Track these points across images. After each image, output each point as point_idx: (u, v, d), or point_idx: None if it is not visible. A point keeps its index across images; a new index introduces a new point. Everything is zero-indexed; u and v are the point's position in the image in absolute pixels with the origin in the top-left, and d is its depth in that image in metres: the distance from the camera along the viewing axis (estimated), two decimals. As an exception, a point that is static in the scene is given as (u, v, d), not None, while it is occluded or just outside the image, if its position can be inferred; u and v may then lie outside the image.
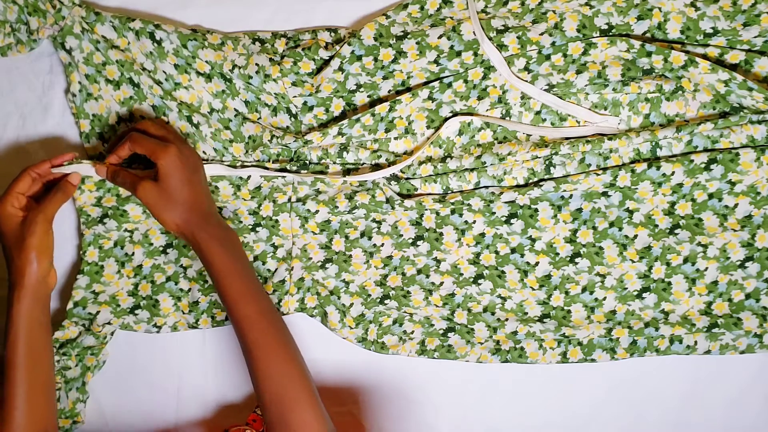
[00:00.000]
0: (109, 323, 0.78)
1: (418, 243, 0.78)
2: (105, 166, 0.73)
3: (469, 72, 0.76)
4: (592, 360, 0.77)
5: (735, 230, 0.75)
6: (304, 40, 0.79)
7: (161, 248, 0.79)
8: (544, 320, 0.77)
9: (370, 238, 0.79)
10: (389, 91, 0.78)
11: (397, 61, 0.77)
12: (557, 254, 0.77)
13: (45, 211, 0.71)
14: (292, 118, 0.79)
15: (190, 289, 0.79)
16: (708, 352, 0.76)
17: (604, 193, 0.76)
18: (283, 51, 0.78)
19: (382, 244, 0.79)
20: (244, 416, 0.79)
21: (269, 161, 0.78)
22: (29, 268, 0.69)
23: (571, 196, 0.77)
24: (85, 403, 0.80)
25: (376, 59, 0.77)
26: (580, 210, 0.77)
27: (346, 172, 0.78)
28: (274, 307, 0.71)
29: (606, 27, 0.75)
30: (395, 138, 0.78)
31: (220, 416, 0.81)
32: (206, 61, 0.76)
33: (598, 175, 0.74)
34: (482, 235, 0.78)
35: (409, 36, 0.76)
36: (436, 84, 0.76)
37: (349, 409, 0.80)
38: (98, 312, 0.78)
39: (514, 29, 0.75)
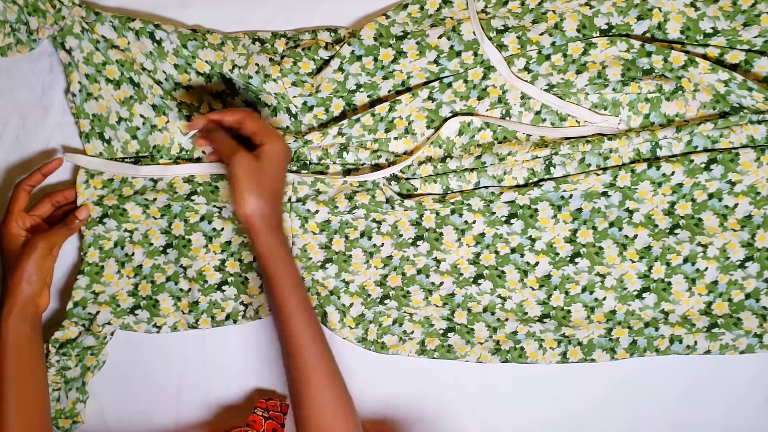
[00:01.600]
0: (109, 323, 0.78)
1: (418, 243, 0.78)
2: (204, 118, 0.70)
3: (469, 72, 0.76)
4: (592, 360, 0.77)
5: (735, 230, 0.75)
6: (304, 40, 0.79)
7: (161, 248, 0.79)
8: (544, 320, 0.77)
9: (370, 238, 0.79)
10: (389, 91, 0.78)
11: (397, 61, 0.77)
12: (557, 254, 0.77)
13: (47, 240, 0.72)
14: (292, 118, 0.79)
15: (190, 289, 0.79)
16: (708, 352, 0.76)
17: (604, 193, 0.76)
18: (283, 51, 0.78)
19: (382, 244, 0.79)
20: (244, 416, 0.79)
21: (269, 161, 0.78)
22: (19, 288, 0.70)
23: (571, 196, 0.77)
24: (85, 403, 0.80)
25: (376, 59, 0.77)
26: (580, 210, 0.77)
27: (346, 172, 0.78)
28: (323, 331, 0.69)
29: (606, 27, 0.75)
30: (395, 138, 0.78)
31: (220, 416, 0.81)
32: (206, 61, 0.76)
33: (598, 175, 0.74)
34: (482, 235, 0.78)
35: (409, 36, 0.76)
36: (436, 84, 0.76)
37: (349, 409, 0.80)
38: (98, 312, 0.78)
39: (514, 29, 0.75)
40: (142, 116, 0.78)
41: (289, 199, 0.78)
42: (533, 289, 0.77)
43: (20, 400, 0.69)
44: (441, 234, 0.78)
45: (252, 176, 0.66)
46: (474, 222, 0.78)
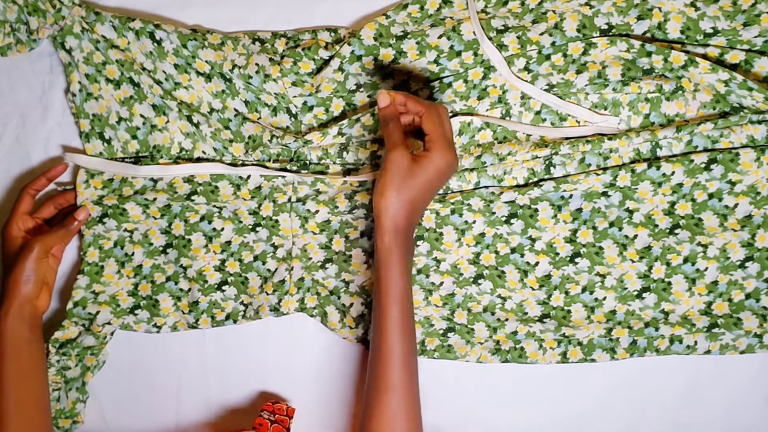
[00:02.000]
0: (109, 323, 0.78)
1: (418, 243, 0.78)
2: (392, 97, 0.67)
3: (469, 72, 0.76)
4: (592, 360, 0.77)
5: (735, 230, 0.75)
6: (304, 40, 0.79)
7: (161, 248, 0.79)
8: (544, 320, 0.77)
9: (370, 238, 0.79)
10: (389, 91, 0.78)
11: (397, 61, 0.77)
12: (557, 254, 0.77)
13: (44, 242, 0.73)
14: (292, 118, 0.79)
15: (190, 289, 0.79)
16: (708, 352, 0.76)
17: (604, 193, 0.76)
18: (283, 51, 0.78)
19: (382, 244, 0.79)
20: (244, 417, 0.79)
21: (269, 161, 0.78)
22: (16, 289, 0.71)
23: (571, 196, 0.77)
24: (85, 403, 0.80)
25: (376, 59, 0.77)
26: (580, 210, 0.77)
27: (346, 172, 0.78)
28: (416, 350, 0.68)
29: (606, 27, 0.75)
30: (395, 138, 0.78)
31: (220, 417, 0.81)
32: (206, 61, 0.76)
33: (598, 175, 0.74)
34: (482, 235, 0.78)
35: (409, 36, 0.76)
36: (436, 84, 0.76)
37: (351, 410, 0.80)
38: (98, 312, 0.78)
39: (514, 29, 0.75)
40: (142, 116, 0.78)
41: (289, 199, 0.78)
42: (533, 289, 0.77)
43: (19, 399, 0.69)
44: (441, 234, 0.78)
45: (402, 177, 0.64)
46: (474, 222, 0.78)
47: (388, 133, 0.66)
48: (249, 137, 0.78)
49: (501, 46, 0.75)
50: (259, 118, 0.79)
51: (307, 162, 0.78)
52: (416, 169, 0.64)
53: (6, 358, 0.70)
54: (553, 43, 0.75)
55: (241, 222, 0.79)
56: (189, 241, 0.79)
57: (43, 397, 0.72)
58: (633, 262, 0.76)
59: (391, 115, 0.66)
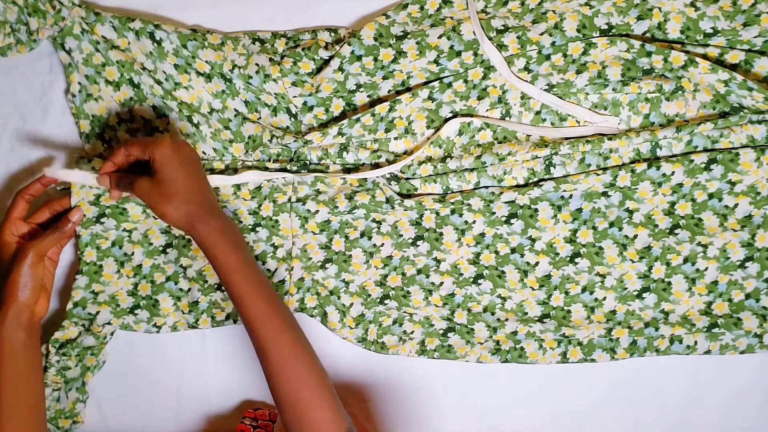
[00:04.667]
0: (109, 323, 0.78)
1: (418, 243, 0.78)
2: (105, 176, 0.72)
3: (469, 72, 0.76)
4: (592, 360, 0.77)
5: (735, 230, 0.75)
6: (304, 40, 0.79)
7: (161, 248, 0.79)
8: (544, 320, 0.77)
9: (370, 238, 0.79)
10: (389, 91, 0.78)
11: (397, 61, 0.77)
12: (557, 254, 0.77)
13: (37, 246, 0.72)
14: (292, 118, 0.79)
15: (189, 289, 0.79)
16: (708, 352, 0.76)
17: (604, 193, 0.76)
18: (283, 51, 0.78)
19: (382, 244, 0.79)
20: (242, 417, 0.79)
21: (269, 161, 0.78)
22: (13, 296, 0.71)
23: (571, 196, 0.77)
24: (85, 403, 0.80)
25: (376, 59, 0.77)
26: (580, 210, 0.77)
27: (346, 172, 0.78)
28: (283, 302, 0.70)
29: (606, 27, 0.75)
30: (395, 138, 0.79)
31: (219, 417, 0.81)
32: (206, 61, 0.76)
33: (598, 175, 0.74)
34: (482, 235, 0.78)
35: (409, 36, 0.76)
36: (436, 84, 0.76)
37: (351, 410, 0.80)
38: (98, 312, 0.78)
39: (514, 29, 0.75)
40: (142, 117, 0.78)
41: (289, 199, 0.78)
42: (533, 289, 0.77)
43: (14, 406, 0.69)
44: (441, 234, 0.78)
45: (153, 193, 0.68)
46: (474, 222, 0.78)
47: (124, 186, 0.71)
48: (249, 137, 0.78)
49: (501, 46, 0.75)
50: (259, 118, 0.79)
51: (307, 162, 0.78)
52: (157, 176, 0.68)
53: (2, 364, 0.69)
54: (553, 43, 0.75)
55: (240, 222, 0.79)
56: (189, 240, 0.79)
57: (39, 401, 0.71)
58: (633, 262, 0.76)
59: (116, 180, 0.71)
